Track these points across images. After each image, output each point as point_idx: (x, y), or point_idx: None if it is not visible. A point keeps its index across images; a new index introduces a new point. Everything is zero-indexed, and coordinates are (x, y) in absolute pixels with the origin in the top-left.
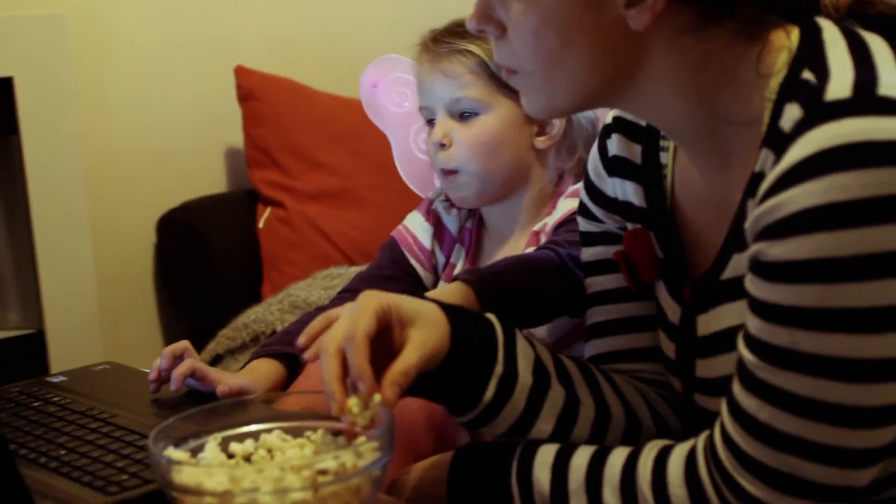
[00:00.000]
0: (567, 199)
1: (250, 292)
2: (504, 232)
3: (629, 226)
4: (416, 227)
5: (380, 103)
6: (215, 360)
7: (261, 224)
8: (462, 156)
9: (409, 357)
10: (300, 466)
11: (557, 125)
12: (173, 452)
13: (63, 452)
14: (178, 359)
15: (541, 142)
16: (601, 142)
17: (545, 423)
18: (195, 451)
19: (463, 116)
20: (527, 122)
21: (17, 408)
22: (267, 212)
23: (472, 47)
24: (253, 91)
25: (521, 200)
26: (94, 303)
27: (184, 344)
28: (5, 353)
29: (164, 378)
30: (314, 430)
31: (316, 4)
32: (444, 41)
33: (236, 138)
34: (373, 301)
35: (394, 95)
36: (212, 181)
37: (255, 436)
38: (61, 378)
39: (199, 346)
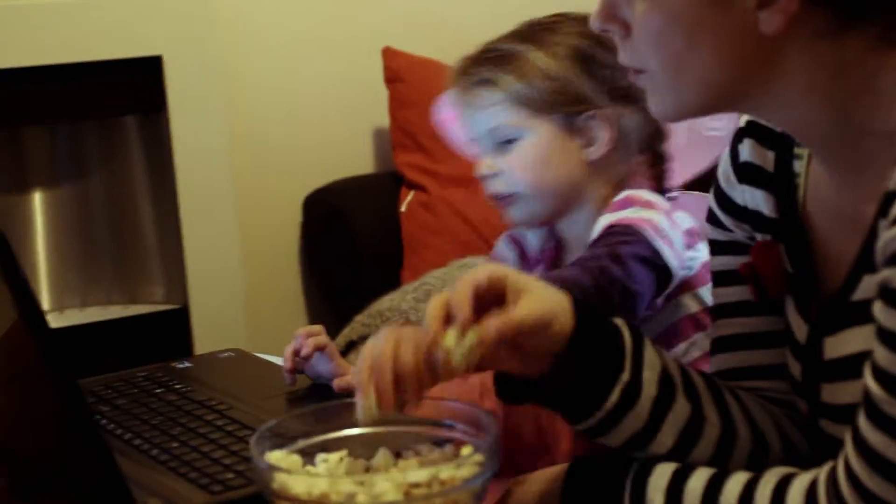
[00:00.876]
0: (607, 214)
1: (391, 276)
2: (579, 248)
3: (758, 236)
4: (502, 255)
5: None
6: (349, 347)
7: (403, 208)
8: (512, 180)
9: (517, 311)
10: (395, 477)
11: (603, 136)
12: (275, 454)
13: (175, 445)
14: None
15: (591, 152)
16: (733, 147)
17: (667, 437)
18: (303, 452)
19: (504, 144)
20: (570, 137)
21: (139, 394)
22: (410, 195)
23: (500, 76)
24: (399, 73)
25: (583, 213)
26: (239, 280)
27: (318, 327)
28: (150, 327)
29: (298, 364)
30: (422, 437)
31: None
32: (471, 72)
33: (383, 120)
34: (488, 266)
35: None
36: (358, 162)
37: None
38: (186, 364)
39: (340, 330)
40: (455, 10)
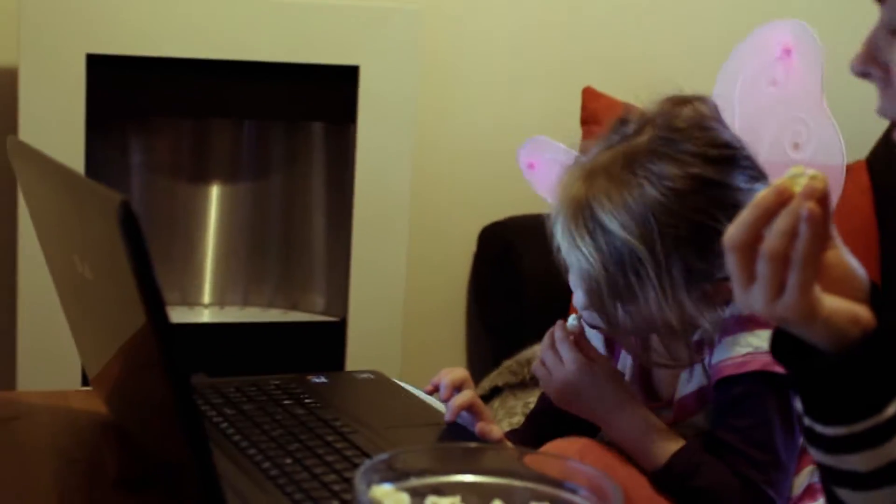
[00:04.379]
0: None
1: (555, 320)
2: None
3: None
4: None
5: (540, 182)
6: (493, 393)
7: None
8: None
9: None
10: None
11: None
12: (382, 489)
13: (288, 461)
14: (456, 390)
15: None
16: None
17: None
18: (413, 491)
19: None
20: None
21: (267, 402)
22: None
23: None
24: (595, 114)
25: None
26: (401, 302)
27: (463, 375)
28: (307, 336)
29: (441, 397)
30: (541, 495)
31: (675, 28)
32: None
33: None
34: None
35: (553, 176)
36: (541, 199)
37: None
38: (322, 379)
39: (494, 366)
40: (659, 54)
